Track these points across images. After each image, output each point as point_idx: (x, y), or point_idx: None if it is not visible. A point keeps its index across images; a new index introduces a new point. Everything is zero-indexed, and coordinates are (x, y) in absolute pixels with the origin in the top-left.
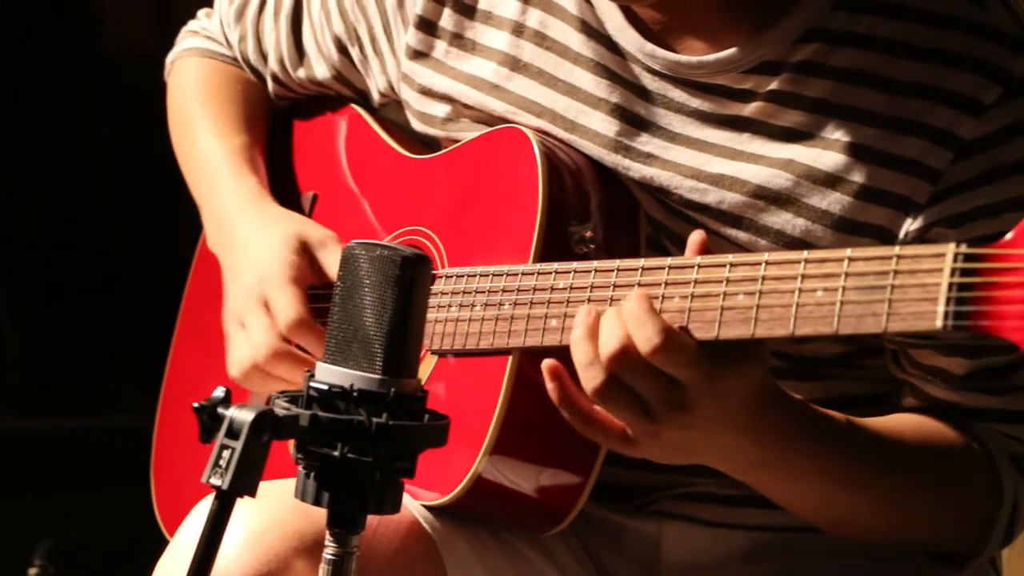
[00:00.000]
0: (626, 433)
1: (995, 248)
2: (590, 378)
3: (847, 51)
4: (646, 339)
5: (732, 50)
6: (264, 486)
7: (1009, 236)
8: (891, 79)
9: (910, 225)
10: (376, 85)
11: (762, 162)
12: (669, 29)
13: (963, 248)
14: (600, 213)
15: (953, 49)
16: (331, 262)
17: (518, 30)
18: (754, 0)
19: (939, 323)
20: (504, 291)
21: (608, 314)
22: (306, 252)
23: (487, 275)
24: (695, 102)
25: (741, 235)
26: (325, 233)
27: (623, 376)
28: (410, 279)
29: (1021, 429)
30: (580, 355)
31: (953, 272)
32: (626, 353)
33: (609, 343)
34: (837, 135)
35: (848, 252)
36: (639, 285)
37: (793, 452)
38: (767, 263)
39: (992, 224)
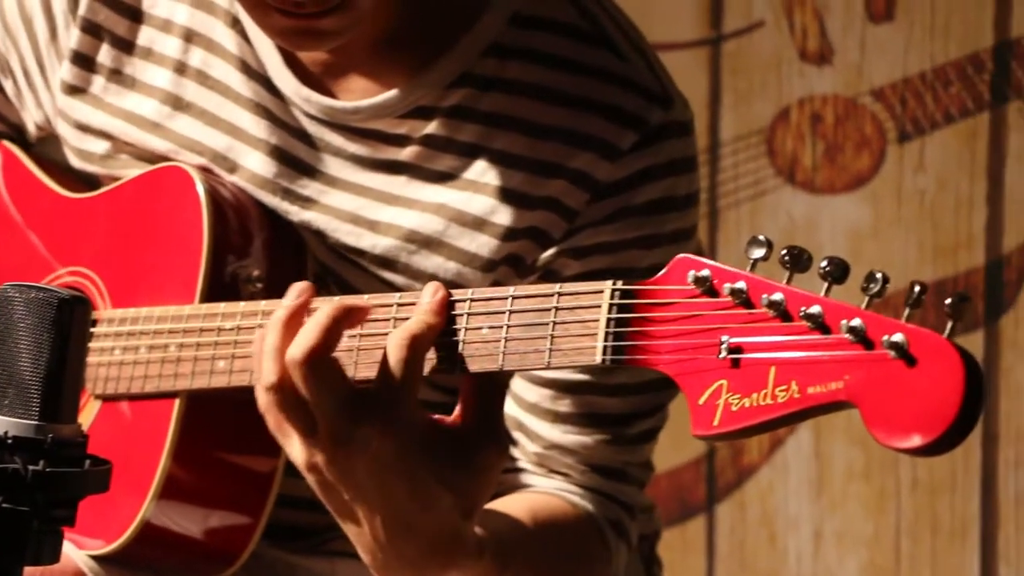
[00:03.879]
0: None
1: (649, 284)
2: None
3: (495, 96)
4: (301, 342)
5: (386, 96)
6: None
7: (662, 272)
8: (536, 123)
9: (540, 254)
10: (32, 119)
11: (416, 206)
12: (329, 70)
13: (620, 284)
14: (267, 253)
15: (594, 97)
16: None
17: (180, 68)
18: (411, 45)
19: (598, 358)
20: (170, 332)
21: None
22: None
23: (151, 317)
24: (352, 147)
25: (398, 278)
26: None
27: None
28: (68, 322)
29: (618, 487)
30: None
31: (611, 308)
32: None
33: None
34: (486, 179)
35: (512, 291)
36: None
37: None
38: None
39: (610, 259)
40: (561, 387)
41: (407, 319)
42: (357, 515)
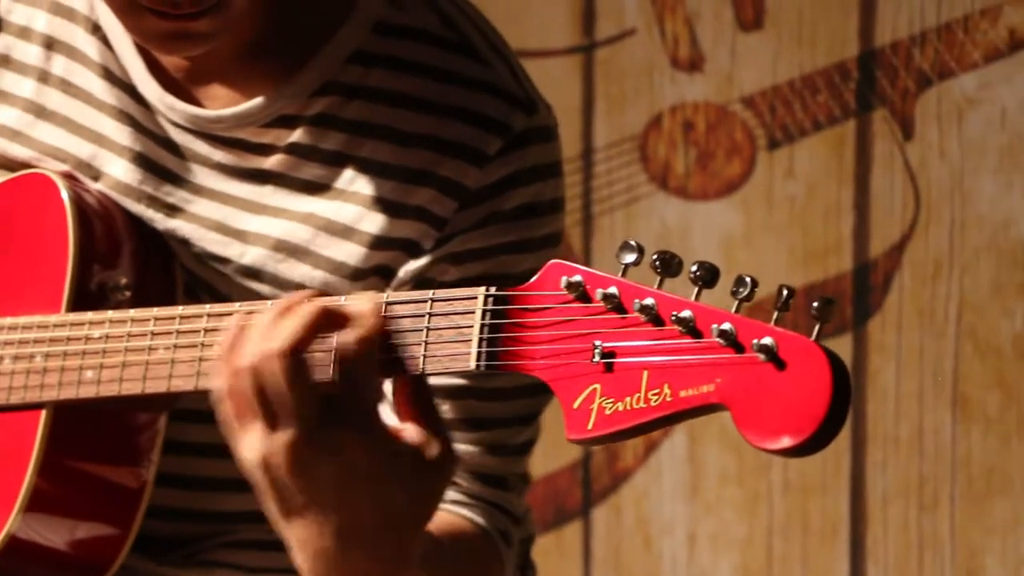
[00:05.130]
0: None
1: (522, 290)
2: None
3: (359, 104)
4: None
5: (249, 104)
6: None
7: (535, 278)
8: (401, 131)
9: (411, 264)
10: None
11: (283, 215)
12: (194, 78)
13: (493, 291)
14: (134, 261)
15: (457, 103)
16: None
17: (43, 77)
18: (275, 53)
19: (472, 364)
20: (35, 342)
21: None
22: None
23: (16, 326)
24: (218, 155)
25: (264, 288)
26: None
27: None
28: None
29: (503, 496)
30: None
31: (484, 314)
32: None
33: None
34: (353, 187)
35: (386, 297)
36: (178, 332)
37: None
38: None
39: (483, 265)
40: (439, 393)
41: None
42: (307, 520)
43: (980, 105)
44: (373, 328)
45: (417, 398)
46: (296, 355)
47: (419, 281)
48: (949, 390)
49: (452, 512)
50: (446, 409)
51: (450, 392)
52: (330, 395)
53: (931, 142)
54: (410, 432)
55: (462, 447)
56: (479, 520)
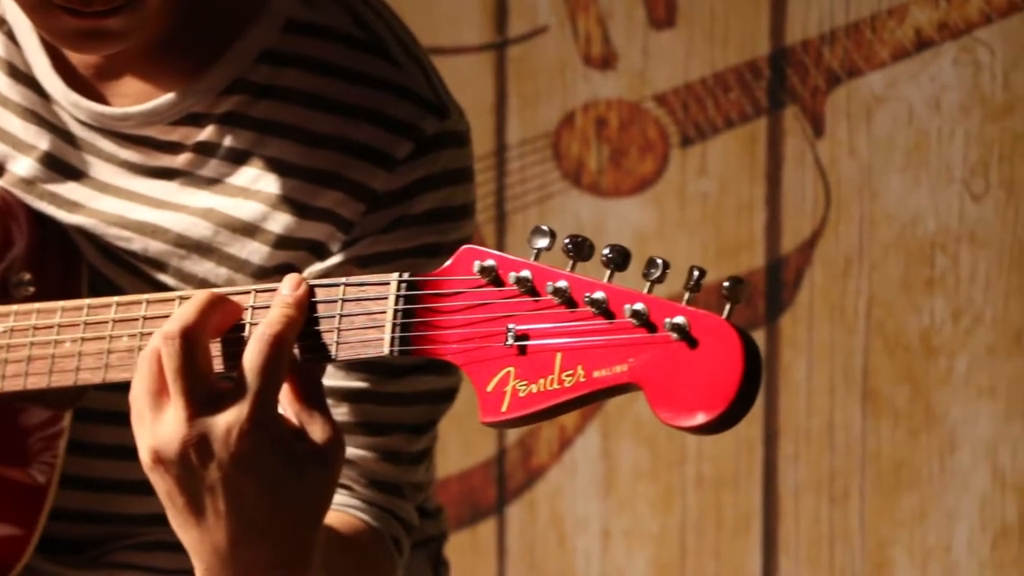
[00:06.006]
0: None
1: (434, 275)
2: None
3: (269, 103)
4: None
5: (157, 102)
6: None
7: (448, 263)
8: (309, 131)
9: (318, 266)
10: None
11: (184, 211)
12: (101, 74)
13: (406, 276)
14: (37, 256)
15: (368, 105)
16: None
17: None
18: (185, 50)
19: (386, 349)
20: None
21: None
22: None
23: None
24: (125, 153)
25: (170, 281)
26: None
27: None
28: None
29: (397, 503)
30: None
31: (397, 300)
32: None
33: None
34: (259, 186)
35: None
36: (85, 324)
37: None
38: None
39: (392, 268)
40: (338, 395)
41: (265, 307)
42: (198, 519)
43: (888, 103)
44: (300, 306)
45: (304, 384)
46: (185, 336)
47: None
48: (859, 385)
49: (349, 516)
50: (343, 412)
51: (348, 395)
52: (224, 390)
53: (841, 139)
54: (300, 419)
55: (358, 452)
56: (373, 523)
